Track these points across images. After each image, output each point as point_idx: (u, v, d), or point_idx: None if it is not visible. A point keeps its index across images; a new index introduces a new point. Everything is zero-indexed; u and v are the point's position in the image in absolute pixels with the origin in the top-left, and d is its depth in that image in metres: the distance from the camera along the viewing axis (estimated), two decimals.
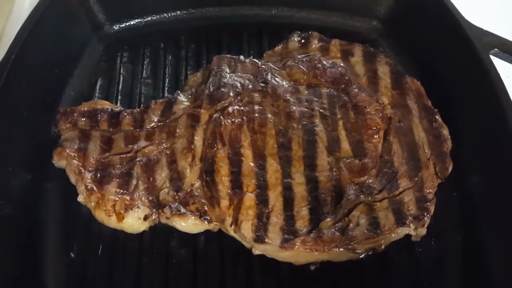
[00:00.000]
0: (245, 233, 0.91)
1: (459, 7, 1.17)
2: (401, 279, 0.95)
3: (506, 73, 1.08)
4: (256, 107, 1.05)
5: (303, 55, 1.15)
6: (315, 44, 1.20)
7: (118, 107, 1.11)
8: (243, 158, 0.99)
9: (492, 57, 1.08)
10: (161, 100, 1.09)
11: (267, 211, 0.93)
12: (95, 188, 0.96)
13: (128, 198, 0.95)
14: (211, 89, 1.07)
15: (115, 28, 1.34)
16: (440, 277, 0.96)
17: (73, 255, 0.96)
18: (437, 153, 1.03)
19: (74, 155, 0.99)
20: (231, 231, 0.94)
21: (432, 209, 0.95)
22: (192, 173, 0.98)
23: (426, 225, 0.94)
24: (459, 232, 1.00)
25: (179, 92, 1.11)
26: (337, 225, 0.92)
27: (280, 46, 1.21)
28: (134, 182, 0.97)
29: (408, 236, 0.94)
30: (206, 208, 0.95)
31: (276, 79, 1.11)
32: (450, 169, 1.02)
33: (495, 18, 1.35)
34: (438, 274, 0.96)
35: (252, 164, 0.98)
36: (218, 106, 1.05)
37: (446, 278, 0.96)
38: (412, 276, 0.96)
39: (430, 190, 0.97)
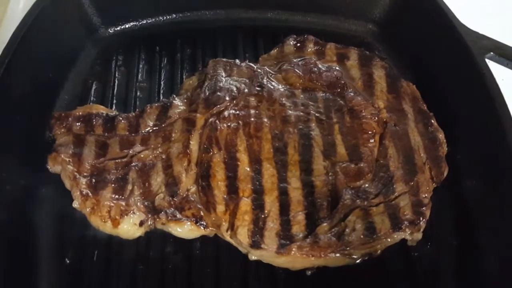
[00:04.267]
0: (241, 238, 0.91)
1: (454, 10, 1.17)
2: (398, 284, 0.95)
3: (501, 77, 1.07)
4: (252, 111, 1.05)
5: (298, 59, 1.15)
6: (310, 47, 1.20)
7: (113, 112, 1.10)
8: (239, 163, 0.98)
9: (487, 60, 1.08)
10: (156, 104, 1.08)
11: (263, 216, 0.93)
12: (90, 194, 0.95)
13: (123, 203, 0.95)
14: (207, 93, 1.07)
15: (110, 31, 1.34)
16: (436, 281, 0.95)
17: (68, 261, 0.95)
18: (432, 157, 1.02)
19: (69, 160, 0.98)
20: (227, 237, 0.94)
21: (428, 213, 0.95)
22: (188, 178, 0.98)
23: (422, 230, 0.94)
24: (455, 236, 1.00)
25: (174, 96, 1.10)
26: (333, 230, 0.92)
27: (275, 50, 1.21)
28: (129, 187, 0.96)
29: (404, 240, 0.94)
30: (202, 214, 0.94)
31: (272, 83, 1.10)
32: (445, 173, 1.02)
33: (490, 22, 1.35)
34: (434, 279, 0.96)
35: (248, 169, 0.98)
36: (214, 110, 1.05)
37: (442, 283, 0.95)
38: (409, 280, 0.95)
39: (426, 195, 0.97)
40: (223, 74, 1.11)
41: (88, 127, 1.05)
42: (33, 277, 0.93)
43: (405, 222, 0.92)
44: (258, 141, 1.01)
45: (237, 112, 1.05)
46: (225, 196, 0.95)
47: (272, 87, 1.09)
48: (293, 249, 0.89)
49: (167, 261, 0.96)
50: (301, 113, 1.06)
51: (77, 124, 1.05)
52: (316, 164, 0.99)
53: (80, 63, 1.25)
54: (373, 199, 0.96)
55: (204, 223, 0.94)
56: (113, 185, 0.96)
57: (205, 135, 1.01)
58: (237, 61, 1.15)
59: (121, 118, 1.06)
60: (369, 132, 1.03)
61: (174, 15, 1.37)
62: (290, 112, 1.05)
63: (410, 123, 1.06)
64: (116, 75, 1.24)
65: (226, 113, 1.04)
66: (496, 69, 1.08)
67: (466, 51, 1.09)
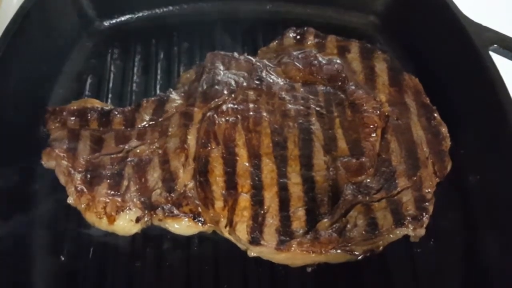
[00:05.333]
0: (240, 235, 0.89)
1: (457, 2, 1.16)
2: (400, 281, 0.94)
3: (505, 70, 1.05)
4: (251, 105, 1.03)
5: (298, 52, 1.13)
6: (311, 40, 1.18)
7: (108, 106, 1.09)
8: (237, 158, 0.97)
9: (491, 53, 1.06)
10: (153, 98, 1.07)
11: (262, 212, 0.91)
12: (85, 190, 0.94)
13: (119, 199, 0.93)
14: (205, 87, 1.06)
15: (106, 24, 1.33)
16: (439, 278, 0.94)
17: (63, 258, 0.94)
18: (435, 151, 1.01)
19: (64, 156, 0.97)
20: (225, 233, 0.92)
21: (431, 209, 0.94)
22: (185, 173, 0.96)
23: (425, 226, 0.92)
24: (459, 232, 0.99)
25: (171, 90, 1.09)
26: (334, 226, 0.90)
27: (275, 43, 1.20)
28: (125, 183, 0.95)
29: (406, 236, 0.93)
30: (200, 210, 0.93)
31: (271, 76, 1.09)
32: (449, 168, 1.00)
33: (494, 14, 1.34)
34: (438, 275, 0.94)
35: (247, 164, 0.96)
36: (212, 104, 1.03)
37: (445, 279, 0.94)
38: (411, 277, 0.94)
39: (429, 190, 0.96)
40: (221, 67, 1.10)
41: (83, 121, 1.03)
42: (28, 275, 0.92)
43: (408, 218, 0.91)
44: (257, 136, 1.00)
45: (236, 106, 1.03)
46: (223, 191, 0.93)
47: (271, 80, 1.08)
48: (293, 245, 0.88)
49: (164, 258, 0.94)
50: (301, 107, 1.04)
51: (72, 118, 1.04)
52: (316, 159, 0.98)
53: (75, 57, 1.24)
54: (375, 194, 0.94)
55: (202, 219, 0.93)
56: (108, 180, 0.95)
57: (203, 130, 0.99)
58: (236, 54, 1.13)
59: (116, 113, 1.04)
60: (371, 126, 1.01)
61: (171, 8, 1.35)
62: (290, 106, 1.04)
63: (412, 117, 1.05)
64: (112, 68, 1.23)
65: (224, 107, 1.02)
66: (500, 62, 1.06)
67: (470, 44, 1.08)
